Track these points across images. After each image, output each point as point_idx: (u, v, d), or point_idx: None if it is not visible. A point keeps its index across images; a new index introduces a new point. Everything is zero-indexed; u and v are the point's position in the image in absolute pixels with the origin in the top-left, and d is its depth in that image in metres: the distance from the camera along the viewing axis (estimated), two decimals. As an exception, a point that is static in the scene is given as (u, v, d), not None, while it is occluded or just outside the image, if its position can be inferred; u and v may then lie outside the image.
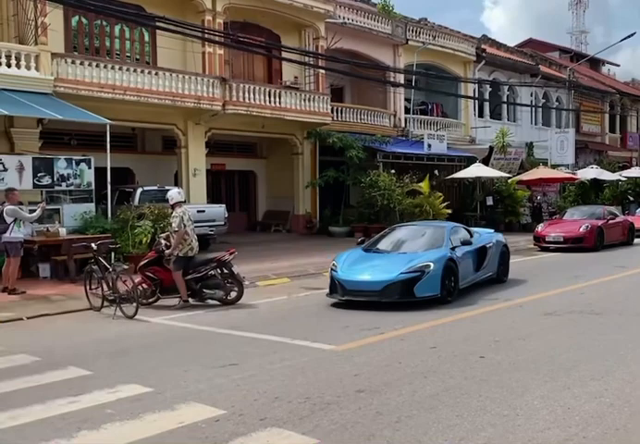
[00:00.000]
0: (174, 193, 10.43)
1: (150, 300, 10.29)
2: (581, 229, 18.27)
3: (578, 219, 19.52)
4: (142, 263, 10.34)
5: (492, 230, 13.92)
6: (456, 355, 6.95)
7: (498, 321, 8.96)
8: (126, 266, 10.31)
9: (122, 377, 6.24)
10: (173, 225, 10.09)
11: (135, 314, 9.18)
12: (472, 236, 11.80)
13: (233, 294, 10.35)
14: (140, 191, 16.36)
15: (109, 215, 14.28)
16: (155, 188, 16.53)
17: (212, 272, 10.28)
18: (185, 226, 9.94)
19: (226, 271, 10.37)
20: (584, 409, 5.18)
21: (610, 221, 19.36)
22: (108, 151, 14.06)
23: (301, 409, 5.26)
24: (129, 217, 13.81)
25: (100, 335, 8.34)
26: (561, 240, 18.25)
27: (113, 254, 12.10)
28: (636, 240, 20.39)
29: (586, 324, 8.62)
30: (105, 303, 9.77)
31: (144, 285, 10.19)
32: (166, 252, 10.13)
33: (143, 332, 8.56)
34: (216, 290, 10.27)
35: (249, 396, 5.61)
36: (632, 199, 32.28)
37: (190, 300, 10.21)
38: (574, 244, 17.96)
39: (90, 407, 5.40)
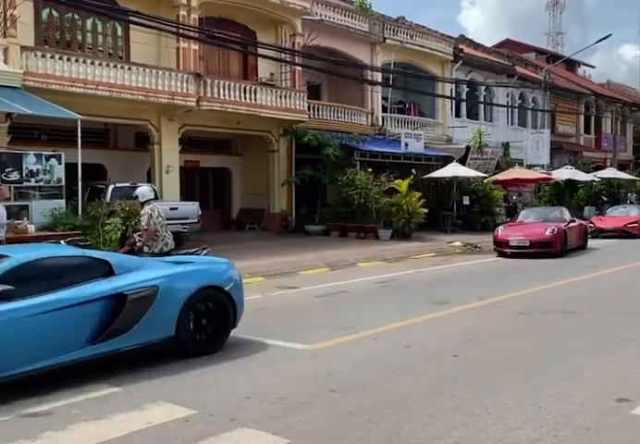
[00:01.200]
0: (145, 191, 10.28)
1: None
2: (547, 233, 16.68)
3: (538, 222, 18.08)
4: None
5: (224, 260, 7.95)
6: (430, 354, 6.94)
7: (471, 320, 8.95)
8: (96, 264, 10.13)
9: (89, 377, 6.10)
10: (142, 223, 9.98)
11: None
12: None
13: None
14: (111, 187, 16.18)
15: (80, 211, 14.07)
16: (128, 184, 16.32)
17: None
18: (155, 223, 9.80)
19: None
20: (556, 408, 5.17)
21: (571, 224, 18.12)
22: (79, 146, 13.86)
23: (273, 409, 5.20)
24: (100, 214, 13.67)
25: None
26: (527, 244, 16.50)
27: (83, 252, 11.88)
28: (593, 244, 19.63)
29: (559, 323, 8.64)
30: (75, 302, 9.59)
31: None
32: (137, 245, 10.01)
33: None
34: None
35: (220, 396, 5.54)
36: (605, 199, 32.68)
37: None
38: (541, 249, 16.44)
39: (56, 407, 5.30)
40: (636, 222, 22.89)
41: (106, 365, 6.53)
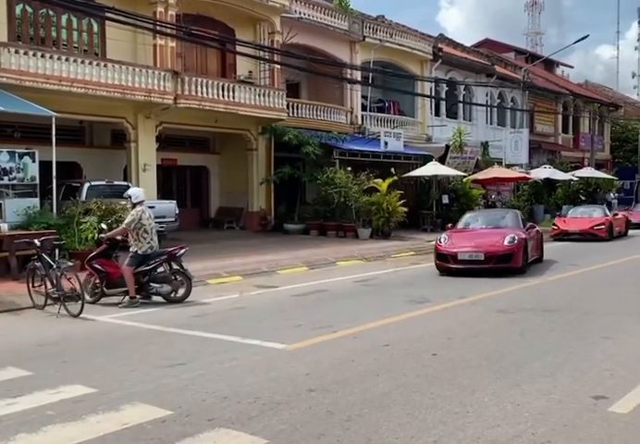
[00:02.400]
0: (139, 192, 10.49)
1: (94, 297, 10.08)
2: (505, 243, 13.11)
3: (489, 229, 14.52)
4: (91, 255, 10.32)
5: None
6: (409, 353, 6.92)
7: (451, 318, 8.95)
8: (71, 263, 10.16)
9: (64, 378, 6.05)
10: (126, 220, 10.12)
11: (80, 312, 8.95)
12: None
13: (181, 291, 10.21)
14: (87, 185, 16.00)
15: (54, 210, 13.84)
16: (104, 183, 16.19)
17: (161, 267, 10.21)
18: (144, 224, 9.97)
19: (175, 266, 10.26)
20: (534, 406, 5.19)
21: (531, 230, 14.84)
22: (54, 144, 13.67)
23: (251, 409, 5.15)
24: (76, 213, 13.47)
25: (42, 334, 8.08)
26: (481, 258, 12.89)
27: (57, 251, 11.71)
28: (554, 248, 18.56)
29: (538, 321, 8.67)
30: (49, 301, 9.53)
31: (92, 278, 10.10)
32: (102, 235, 10.38)
33: (88, 331, 8.32)
34: (164, 284, 10.12)
35: (197, 396, 5.48)
36: (583, 198, 33.00)
37: (138, 296, 9.99)
38: (499, 264, 12.91)
39: (29, 409, 5.21)
40: (603, 224, 21.79)
41: (81, 366, 6.44)
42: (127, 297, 10.00)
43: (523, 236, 13.66)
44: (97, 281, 10.10)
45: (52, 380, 5.96)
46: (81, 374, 6.18)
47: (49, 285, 9.43)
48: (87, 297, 9.91)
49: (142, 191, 10.68)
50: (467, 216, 15.88)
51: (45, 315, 9.25)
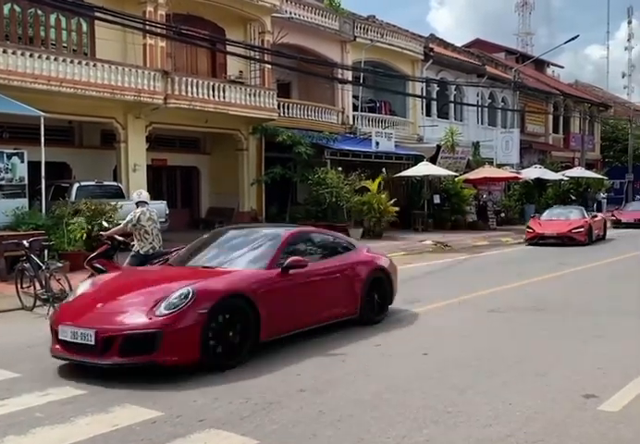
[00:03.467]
0: (139, 192, 10.48)
1: None
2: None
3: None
4: (92, 255, 10.26)
5: None
6: (400, 353, 6.91)
7: (441, 318, 8.94)
8: (60, 264, 10.13)
9: (53, 380, 6.01)
10: (126, 219, 10.15)
11: None
12: None
13: None
14: (76, 186, 15.94)
15: (43, 210, 13.75)
16: (93, 183, 16.11)
17: None
18: (144, 225, 9.96)
19: None
20: (526, 404, 5.19)
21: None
22: (42, 144, 13.59)
23: (242, 409, 5.13)
24: (65, 213, 13.39)
25: (31, 335, 7.96)
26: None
27: (46, 252, 11.67)
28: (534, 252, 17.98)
29: (528, 320, 8.68)
30: (38, 303, 9.44)
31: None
32: (102, 233, 10.34)
33: (77, 332, 8.20)
34: None
35: (187, 397, 5.45)
36: (574, 198, 33.14)
37: None
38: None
39: (18, 411, 5.16)
40: (582, 227, 20.03)
41: (70, 367, 6.38)
42: None
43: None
44: None
45: (40, 382, 5.90)
46: (70, 375, 6.12)
47: (38, 286, 9.36)
48: None
49: (143, 191, 10.62)
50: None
51: (34, 317, 9.15)
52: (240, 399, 5.37)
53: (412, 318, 8.84)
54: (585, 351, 6.97)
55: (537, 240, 19.85)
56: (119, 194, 16.83)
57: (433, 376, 6.02)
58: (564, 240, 19.60)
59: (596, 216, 22.26)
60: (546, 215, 21.81)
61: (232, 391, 5.59)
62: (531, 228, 20.39)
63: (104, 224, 10.97)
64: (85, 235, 13.18)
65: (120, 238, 10.27)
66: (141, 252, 9.97)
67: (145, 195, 10.39)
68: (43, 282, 9.25)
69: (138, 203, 10.22)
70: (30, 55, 15.30)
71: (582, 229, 19.95)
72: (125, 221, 10.10)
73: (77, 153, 19.15)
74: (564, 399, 5.32)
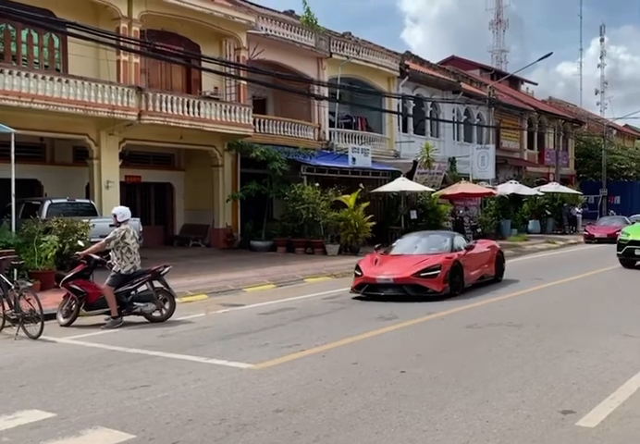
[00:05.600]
0: (125, 210, 10.31)
1: (68, 318, 9.80)
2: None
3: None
4: (68, 275, 10.01)
5: None
6: (377, 371, 6.82)
7: (420, 334, 8.89)
8: (30, 284, 9.82)
9: (22, 402, 5.86)
10: (107, 237, 9.97)
11: (40, 333, 8.67)
12: None
13: (163, 311, 10.09)
14: (47, 203, 15.70)
15: (13, 229, 13.47)
16: (65, 200, 15.84)
17: (143, 285, 10.05)
18: (128, 244, 9.82)
19: (158, 284, 10.12)
20: (502, 421, 5.15)
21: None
22: (13, 161, 13.35)
23: (216, 431, 5.03)
24: (36, 231, 13.11)
25: (0, 357, 7.77)
26: None
27: (16, 271, 11.42)
28: None
29: (505, 336, 8.62)
30: (7, 323, 9.23)
31: (68, 300, 9.84)
32: (78, 252, 10.19)
33: (48, 353, 8.06)
34: (148, 303, 9.94)
35: (161, 419, 5.34)
36: (549, 213, 33.35)
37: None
38: None
39: (-15, 436, 4.99)
40: (437, 269, 11.97)
41: (40, 389, 6.22)
42: (110, 317, 9.77)
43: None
44: (73, 302, 9.80)
45: (8, 405, 5.77)
46: (40, 398, 6.00)
47: (7, 306, 9.13)
48: (61, 319, 9.73)
49: (128, 210, 10.43)
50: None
51: (2, 338, 8.93)
52: (213, 420, 5.26)
53: (390, 335, 8.77)
54: (561, 366, 6.91)
55: (366, 292, 12.11)
56: (92, 212, 16.60)
57: (411, 393, 5.94)
58: (405, 291, 11.80)
59: (471, 247, 13.54)
60: (396, 246, 13.88)
61: (206, 412, 5.48)
62: (360, 272, 12.37)
63: (80, 243, 10.67)
64: (56, 253, 12.92)
65: (97, 256, 10.04)
66: (122, 271, 9.81)
67: (129, 213, 10.24)
68: (13, 302, 9.03)
69: (121, 222, 10.04)
70: (1, 72, 15.11)
71: (435, 272, 11.94)
72: (106, 238, 9.90)
73: (48, 170, 18.94)
74: (541, 415, 5.29)
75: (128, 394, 6.05)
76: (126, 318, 9.87)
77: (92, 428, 5.12)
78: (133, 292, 9.96)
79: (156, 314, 10.05)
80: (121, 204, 18.70)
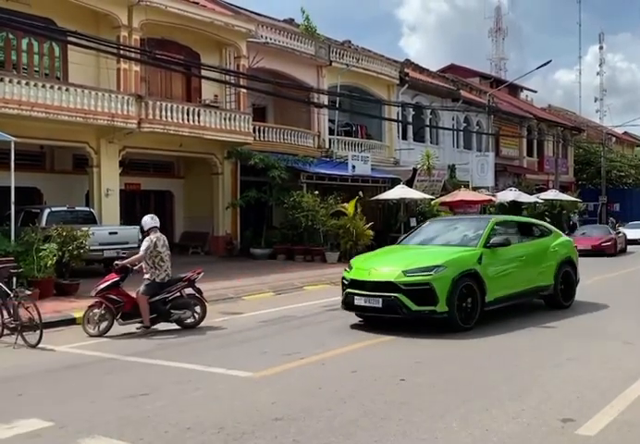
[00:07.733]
0: (147, 220, 10.16)
1: (101, 329, 9.63)
2: None
3: None
4: (103, 286, 9.79)
5: None
6: (377, 379, 6.79)
7: (420, 343, 8.81)
8: (29, 292, 9.79)
9: (20, 411, 5.81)
10: (142, 247, 9.90)
11: (39, 342, 8.63)
12: None
13: (196, 316, 10.12)
14: (47, 211, 15.69)
15: (12, 237, 13.46)
16: (65, 208, 15.82)
17: (177, 293, 10.05)
18: (160, 252, 9.80)
19: (191, 291, 10.14)
20: (502, 430, 5.12)
21: None
22: (12, 169, 13.35)
23: (215, 440, 5.01)
24: (35, 240, 13.08)
25: (-2, 366, 7.77)
26: None
27: (15, 279, 11.39)
28: None
29: (504, 343, 8.58)
30: (6, 332, 9.18)
31: (98, 309, 9.62)
32: (116, 262, 10.04)
33: (47, 362, 8.02)
34: (185, 310, 9.97)
35: (159, 427, 5.31)
36: (548, 220, 33.32)
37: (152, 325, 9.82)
38: None
39: (-18, 446, 5.00)
40: None
41: (38, 398, 6.21)
42: (142, 326, 9.74)
43: None
44: (105, 312, 9.62)
45: (6, 414, 5.72)
46: (38, 407, 5.98)
47: (6, 314, 9.11)
48: (90, 330, 9.56)
49: (150, 217, 10.23)
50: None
51: (1, 346, 8.88)
52: (212, 429, 5.23)
53: (389, 343, 8.72)
54: (560, 374, 6.88)
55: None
56: (92, 220, 16.61)
57: (410, 401, 5.90)
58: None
59: None
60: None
61: (204, 421, 5.45)
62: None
63: (117, 262, 10.32)
64: (56, 261, 12.91)
65: (134, 267, 9.97)
66: (157, 280, 9.78)
67: (151, 222, 10.09)
68: (12, 310, 9.00)
69: (149, 230, 9.99)
70: (1, 80, 15.18)
71: None
72: (143, 248, 9.81)
73: (48, 178, 18.97)
74: (541, 423, 5.26)
75: (126, 403, 6.04)
76: (125, 326, 9.83)
77: (91, 437, 5.10)
78: (172, 300, 9.93)
79: (189, 320, 10.06)
80: (120, 212, 18.85)
